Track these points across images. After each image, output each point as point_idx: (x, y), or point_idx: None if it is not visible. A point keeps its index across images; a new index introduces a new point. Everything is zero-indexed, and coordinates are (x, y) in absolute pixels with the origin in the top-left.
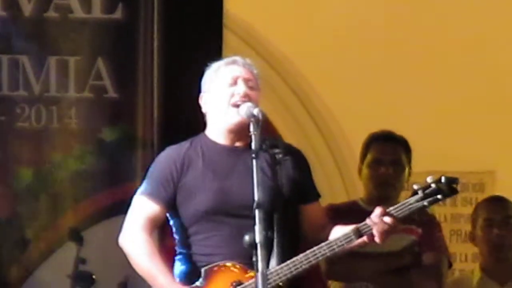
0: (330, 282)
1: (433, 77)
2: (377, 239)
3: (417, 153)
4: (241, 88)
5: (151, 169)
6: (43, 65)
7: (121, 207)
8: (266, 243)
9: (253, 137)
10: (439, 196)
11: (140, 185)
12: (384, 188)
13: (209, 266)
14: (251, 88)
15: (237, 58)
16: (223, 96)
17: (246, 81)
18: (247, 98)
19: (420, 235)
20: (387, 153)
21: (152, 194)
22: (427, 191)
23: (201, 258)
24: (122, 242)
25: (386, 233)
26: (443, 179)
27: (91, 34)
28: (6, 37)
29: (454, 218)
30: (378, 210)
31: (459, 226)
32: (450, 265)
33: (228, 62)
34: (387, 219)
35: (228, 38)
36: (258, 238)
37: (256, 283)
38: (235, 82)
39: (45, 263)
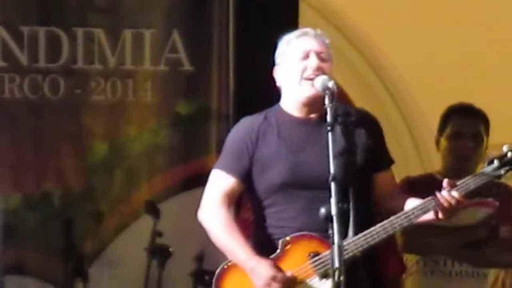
0: (406, 255)
1: (509, 47)
2: (443, 215)
3: (493, 124)
4: (313, 61)
5: (226, 142)
6: (118, 38)
7: (197, 180)
8: (342, 215)
9: (328, 110)
10: None
11: (215, 158)
12: (463, 161)
13: (286, 237)
14: (323, 60)
15: (308, 29)
16: (296, 70)
17: (318, 53)
18: (320, 71)
19: (497, 208)
20: (468, 126)
21: (228, 168)
22: (503, 160)
23: (276, 231)
24: (201, 217)
25: (451, 209)
26: None
27: (167, 6)
28: (82, 10)
29: None
30: (445, 182)
31: None
32: None
33: (299, 35)
34: (455, 193)
35: (304, 10)
36: (333, 210)
37: (332, 256)
38: (307, 56)
39: (120, 236)
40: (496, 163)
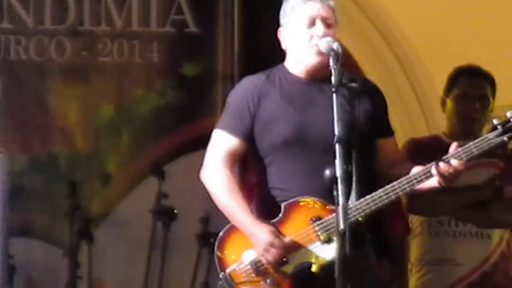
0: (411, 216)
1: None
2: (442, 182)
3: (499, 86)
4: (319, 29)
5: (228, 102)
6: (125, 0)
7: (202, 142)
8: (346, 177)
9: (332, 71)
10: None
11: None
12: (470, 123)
13: (289, 201)
14: (329, 25)
15: None
16: (302, 37)
17: (324, 19)
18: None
19: (502, 168)
20: (475, 88)
21: (230, 128)
22: (506, 125)
23: (277, 193)
24: (203, 177)
25: (451, 178)
26: None
27: None
28: None
29: None
30: (453, 146)
31: None
32: None
33: None
34: (453, 162)
35: None
36: (338, 172)
37: (337, 217)
38: (313, 23)
39: (127, 197)
40: (499, 128)
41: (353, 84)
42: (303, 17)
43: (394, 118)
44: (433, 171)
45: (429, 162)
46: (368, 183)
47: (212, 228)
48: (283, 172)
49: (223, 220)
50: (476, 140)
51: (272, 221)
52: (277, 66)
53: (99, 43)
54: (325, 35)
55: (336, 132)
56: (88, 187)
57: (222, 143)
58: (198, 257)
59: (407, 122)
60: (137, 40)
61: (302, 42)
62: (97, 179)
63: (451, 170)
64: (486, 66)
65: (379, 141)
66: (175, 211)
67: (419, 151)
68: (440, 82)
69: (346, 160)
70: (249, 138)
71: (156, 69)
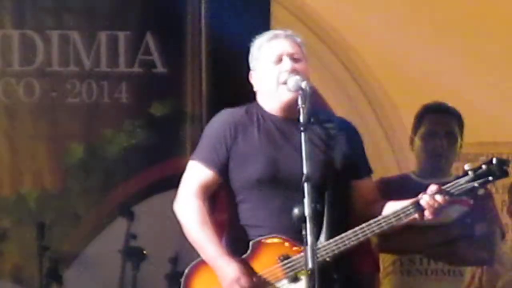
0: (383, 254)
1: (482, 46)
2: (429, 215)
3: (468, 123)
4: (287, 65)
5: (204, 133)
6: (93, 41)
7: (171, 182)
8: (315, 216)
9: (301, 110)
10: (490, 178)
11: (189, 160)
12: (438, 160)
13: (257, 239)
14: (296, 60)
15: (278, 31)
16: (271, 75)
17: (290, 55)
18: (294, 73)
19: (472, 206)
20: (442, 125)
21: (205, 159)
22: (478, 172)
23: (249, 230)
24: (175, 208)
25: (438, 210)
26: (494, 161)
27: (140, 8)
28: (57, 12)
29: (506, 189)
30: (433, 187)
31: None
32: (503, 236)
33: (269, 38)
34: (439, 198)
35: (276, 11)
36: (306, 211)
37: (305, 256)
38: (280, 60)
39: (96, 238)
40: (471, 174)
41: (329, 125)
42: (270, 55)
43: None
44: (423, 202)
45: (398, 200)
46: (340, 222)
47: (181, 268)
48: (256, 209)
49: (193, 259)
50: (448, 185)
51: (240, 258)
52: (253, 102)
53: (68, 84)
54: (293, 70)
55: (305, 170)
56: (57, 228)
57: (196, 175)
58: None
59: (377, 161)
60: (106, 80)
61: (271, 80)
62: (66, 219)
63: (436, 204)
64: (454, 103)
65: (356, 182)
66: (144, 251)
67: (389, 190)
68: (409, 120)
69: (315, 199)
70: (223, 172)
71: (124, 109)
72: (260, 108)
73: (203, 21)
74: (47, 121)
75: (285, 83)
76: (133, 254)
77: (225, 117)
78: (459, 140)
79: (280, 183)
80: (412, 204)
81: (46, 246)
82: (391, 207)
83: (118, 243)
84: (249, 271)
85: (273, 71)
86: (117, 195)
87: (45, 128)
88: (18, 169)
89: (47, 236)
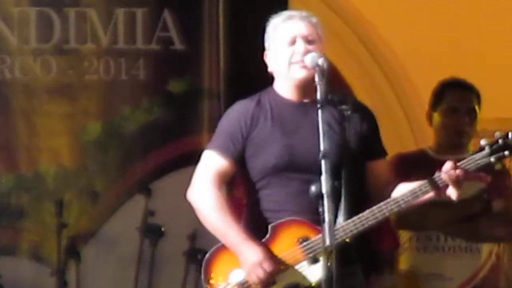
0: (399, 231)
1: (501, 24)
2: (454, 192)
3: (485, 99)
4: (300, 47)
5: (220, 124)
6: (110, 18)
7: (189, 159)
8: (333, 193)
9: (318, 87)
10: (506, 152)
11: (207, 136)
12: (459, 136)
13: (276, 222)
14: (311, 42)
15: (294, 12)
16: (284, 56)
17: (304, 37)
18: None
19: (490, 182)
20: (463, 101)
21: (221, 149)
22: (494, 147)
23: (268, 214)
24: (190, 197)
25: (459, 182)
26: (510, 135)
27: None
28: None
29: None
30: (449, 164)
31: None
32: None
33: (285, 18)
34: (459, 172)
35: None
36: (324, 188)
37: (323, 234)
38: (293, 41)
39: (114, 215)
40: (487, 149)
41: (344, 106)
42: (284, 36)
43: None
44: (444, 176)
45: (415, 176)
46: (357, 201)
47: (199, 245)
48: (275, 195)
49: (211, 237)
50: (464, 160)
51: (260, 242)
52: (267, 89)
53: (85, 61)
54: (306, 52)
55: (322, 147)
56: (76, 205)
57: (212, 163)
58: (185, 274)
59: (394, 136)
60: (123, 57)
61: (285, 60)
62: (84, 197)
63: (454, 177)
64: (471, 79)
65: (370, 163)
66: (162, 228)
67: (406, 166)
68: (426, 95)
69: (334, 176)
70: (239, 161)
71: (142, 86)
72: (273, 94)
73: None
74: (64, 99)
75: (298, 62)
76: (151, 231)
77: (238, 109)
78: (478, 116)
79: (297, 168)
80: (429, 181)
81: (64, 224)
82: (405, 187)
83: (136, 220)
84: (271, 255)
85: (286, 52)
86: (135, 173)
87: (62, 105)
88: (36, 146)
89: (65, 214)
